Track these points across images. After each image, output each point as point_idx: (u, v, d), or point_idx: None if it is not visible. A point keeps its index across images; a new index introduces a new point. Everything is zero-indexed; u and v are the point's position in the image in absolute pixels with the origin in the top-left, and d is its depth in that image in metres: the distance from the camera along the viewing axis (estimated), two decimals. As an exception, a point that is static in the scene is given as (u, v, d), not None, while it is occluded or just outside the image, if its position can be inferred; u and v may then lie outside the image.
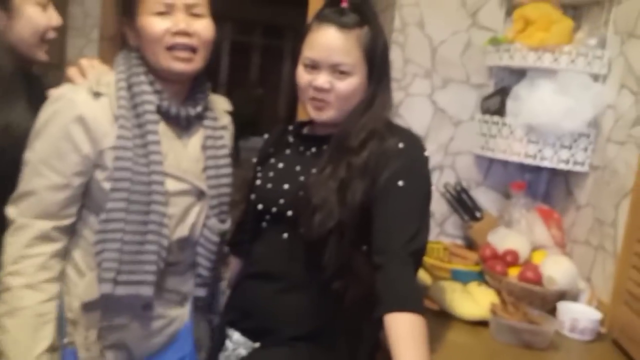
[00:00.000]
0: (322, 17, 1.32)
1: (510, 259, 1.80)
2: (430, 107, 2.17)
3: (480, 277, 1.83)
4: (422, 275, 1.80)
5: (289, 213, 1.32)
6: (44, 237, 1.25)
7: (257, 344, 1.36)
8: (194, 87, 1.37)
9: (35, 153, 1.24)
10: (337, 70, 1.30)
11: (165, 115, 1.30)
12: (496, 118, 2.02)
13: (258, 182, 1.41)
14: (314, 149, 1.38)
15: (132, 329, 1.32)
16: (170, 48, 1.26)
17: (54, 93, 1.27)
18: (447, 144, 2.19)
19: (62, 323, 1.29)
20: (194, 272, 1.40)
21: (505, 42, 1.97)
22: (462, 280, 1.78)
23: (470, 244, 2.16)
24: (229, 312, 1.45)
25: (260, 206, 1.38)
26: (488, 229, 2.02)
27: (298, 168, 1.37)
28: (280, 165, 1.41)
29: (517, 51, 1.92)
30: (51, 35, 1.43)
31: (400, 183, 1.25)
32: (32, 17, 1.38)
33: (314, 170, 1.31)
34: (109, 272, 1.23)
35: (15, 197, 1.26)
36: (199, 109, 1.35)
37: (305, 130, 1.44)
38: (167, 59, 1.27)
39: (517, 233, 1.92)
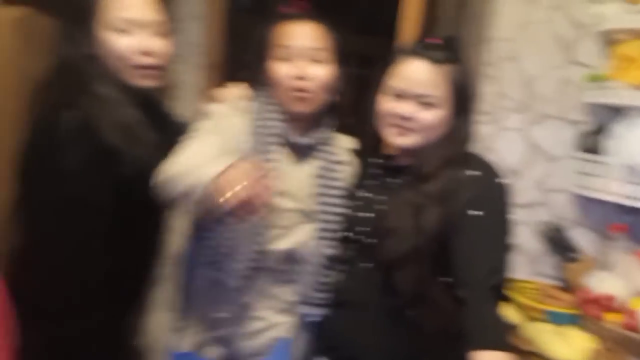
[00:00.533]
0: (413, 51, 1.36)
1: (607, 303, 1.73)
2: (523, 142, 2.13)
3: (575, 320, 1.76)
4: (511, 314, 1.76)
5: (372, 242, 1.34)
6: None
7: None
8: (316, 122, 1.49)
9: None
10: (423, 102, 1.32)
11: (284, 141, 1.45)
12: (594, 157, 1.95)
13: (345, 210, 1.45)
14: (399, 180, 1.40)
15: (235, 325, 1.42)
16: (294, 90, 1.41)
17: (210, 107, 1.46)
18: (541, 181, 2.13)
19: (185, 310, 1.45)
20: (299, 285, 1.47)
21: (604, 79, 1.92)
22: (556, 322, 1.72)
23: (566, 285, 2.08)
24: (316, 339, 1.48)
25: (346, 234, 1.42)
26: (585, 271, 1.95)
27: (383, 198, 1.39)
28: (367, 195, 1.44)
29: (617, 89, 1.87)
30: (142, 60, 1.39)
31: (478, 213, 1.24)
32: (110, 44, 1.37)
33: (395, 196, 1.33)
34: (215, 261, 1.40)
35: None
36: (311, 140, 1.47)
37: (391, 162, 1.46)
38: (288, 100, 1.42)
39: (616, 277, 1.84)
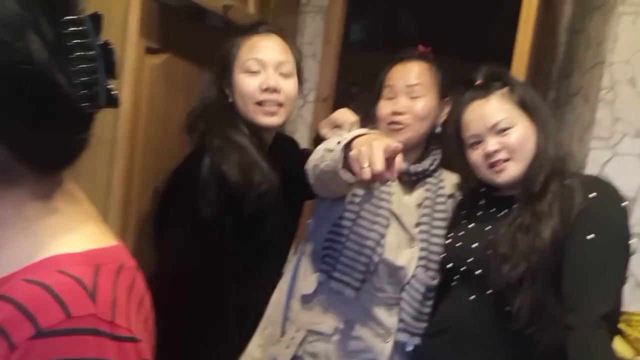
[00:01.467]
0: (466, 98, 1.42)
1: None
2: (641, 167, 2.05)
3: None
4: (623, 348, 1.69)
5: (478, 272, 1.35)
6: None
7: None
8: (424, 154, 1.57)
9: None
10: (499, 130, 1.35)
11: None
12: None
13: (449, 241, 1.48)
14: (506, 210, 1.40)
15: (334, 342, 1.48)
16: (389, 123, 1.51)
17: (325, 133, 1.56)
18: (658, 209, 2.04)
19: (283, 321, 1.52)
20: (399, 310, 1.50)
21: None
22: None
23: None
24: None
25: (449, 265, 1.44)
26: None
27: (488, 227, 1.40)
28: (471, 225, 1.46)
29: None
30: (265, 97, 1.46)
31: (591, 236, 1.21)
32: (240, 84, 1.47)
33: (503, 223, 1.34)
34: (327, 266, 1.48)
35: None
36: (419, 168, 1.54)
37: (497, 193, 1.46)
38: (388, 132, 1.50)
39: None
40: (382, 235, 1.46)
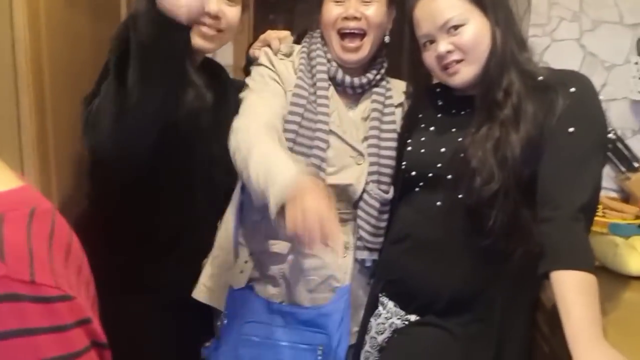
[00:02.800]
0: None
1: (676, 211, 1.68)
2: (579, 52, 2.03)
3: (641, 232, 1.72)
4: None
5: (449, 177, 1.29)
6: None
7: (412, 317, 1.37)
8: (370, 64, 1.48)
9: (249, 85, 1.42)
10: (451, 28, 1.26)
11: (334, 82, 1.44)
12: (656, 59, 1.86)
13: (409, 148, 1.40)
14: (468, 109, 1.34)
15: (290, 261, 1.43)
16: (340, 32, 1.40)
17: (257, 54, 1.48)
18: (600, 91, 2.02)
19: (236, 246, 1.45)
20: (355, 225, 1.46)
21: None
22: (622, 235, 1.68)
23: (627, 197, 2.03)
24: (381, 278, 1.47)
25: (413, 172, 1.37)
26: (648, 180, 1.89)
27: (454, 130, 1.34)
28: (432, 128, 1.39)
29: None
30: (205, 20, 1.36)
31: (572, 130, 1.18)
32: None
33: (471, 130, 1.27)
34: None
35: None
36: (364, 80, 1.45)
37: (455, 92, 1.39)
38: (338, 45, 1.41)
39: (683, 183, 1.78)
40: (323, 159, 1.38)
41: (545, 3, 2.01)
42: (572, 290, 1.09)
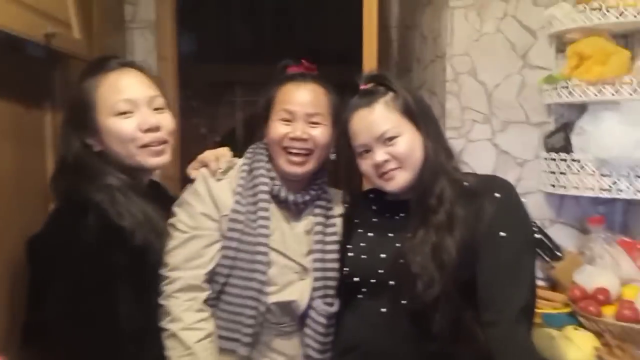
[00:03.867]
0: (351, 107, 1.39)
1: (602, 297, 1.75)
2: (492, 151, 2.17)
3: (572, 320, 1.78)
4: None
5: (391, 282, 1.31)
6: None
7: None
8: (312, 179, 1.49)
9: (177, 218, 1.40)
10: (386, 139, 1.33)
11: (276, 199, 1.44)
12: (563, 155, 2.00)
13: (350, 254, 1.42)
14: (402, 214, 1.38)
15: None
16: (287, 150, 1.41)
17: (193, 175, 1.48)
18: (515, 185, 2.14)
19: None
20: (300, 337, 1.44)
21: (562, 79, 1.97)
22: (554, 325, 1.73)
23: (553, 285, 2.11)
24: None
25: (356, 278, 1.38)
26: (572, 268, 1.98)
27: (391, 235, 1.37)
28: (370, 234, 1.41)
29: (576, 87, 1.92)
30: (150, 137, 1.37)
31: (503, 234, 1.24)
32: (114, 129, 1.35)
33: (408, 235, 1.31)
34: (218, 328, 1.37)
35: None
36: (307, 197, 1.47)
37: (389, 197, 1.44)
38: (283, 159, 1.43)
39: (604, 269, 1.87)
40: (263, 282, 1.37)
41: (458, 108, 2.15)
42: None
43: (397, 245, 1.33)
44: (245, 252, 1.38)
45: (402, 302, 1.28)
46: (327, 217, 1.49)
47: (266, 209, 1.41)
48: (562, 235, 2.15)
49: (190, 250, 1.37)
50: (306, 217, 1.49)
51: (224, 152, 1.51)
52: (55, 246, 1.26)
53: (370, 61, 2.12)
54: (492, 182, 1.35)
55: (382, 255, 1.35)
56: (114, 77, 1.37)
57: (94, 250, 1.22)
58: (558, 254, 2.07)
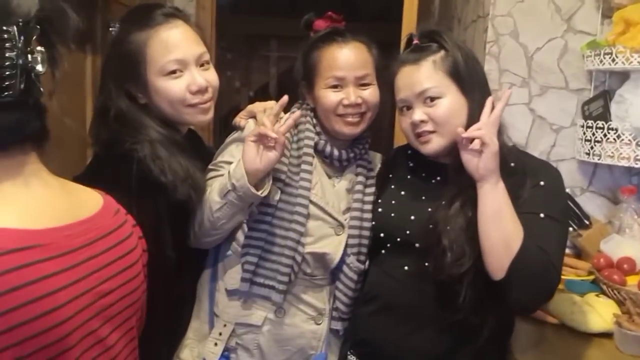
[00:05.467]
0: (400, 61, 1.37)
1: (627, 267, 1.75)
2: (529, 116, 2.14)
3: (595, 287, 1.79)
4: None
5: (417, 245, 1.32)
6: None
7: None
8: (357, 138, 1.51)
9: (222, 159, 1.46)
10: (428, 99, 1.31)
11: (321, 154, 1.46)
12: (601, 123, 1.97)
13: (379, 209, 1.43)
14: (438, 177, 1.38)
15: (265, 332, 1.42)
16: (342, 116, 1.43)
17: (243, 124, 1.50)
18: (549, 152, 2.15)
19: (211, 317, 1.44)
20: (329, 291, 1.48)
21: (605, 45, 1.93)
22: (576, 292, 1.74)
23: (579, 253, 2.11)
24: (350, 337, 1.48)
25: (382, 234, 1.40)
26: (598, 237, 1.98)
27: (424, 198, 1.37)
28: (403, 192, 1.42)
29: (620, 54, 1.87)
30: (194, 99, 1.38)
31: (542, 215, 1.23)
32: (163, 91, 1.35)
33: (442, 203, 1.29)
34: (247, 274, 1.39)
35: None
36: (351, 154, 1.48)
37: (427, 157, 1.42)
38: (339, 122, 1.44)
39: (631, 239, 1.86)
40: (301, 233, 1.40)
41: (496, 70, 2.12)
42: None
43: (429, 209, 1.32)
44: (287, 203, 1.40)
45: (426, 264, 1.29)
46: (368, 177, 1.51)
47: (310, 163, 1.43)
48: (592, 204, 2.14)
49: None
50: (348, 174, 1.51)
51: (272, 104, 1.50)
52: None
53: (410, 20, 2.10)
54: (542, 169, 1.33)
55: (412, 217, 1.36)
56: (164, 33, 1.35)
57: (135, 196, 1.21)
58: (586, 222, 2.07)
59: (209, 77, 1.40)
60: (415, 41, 1.38)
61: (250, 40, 5.00)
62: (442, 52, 1.33)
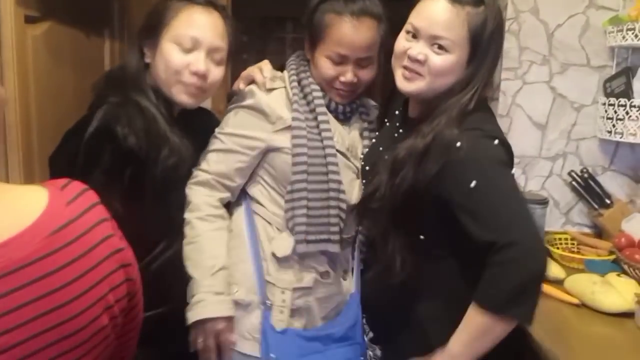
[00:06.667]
0: None
1: (650, 246, 1.74)
2: (549, 94, 2.11)
3: (616, 267, 1.78)
4: (555, 269, 1.77)
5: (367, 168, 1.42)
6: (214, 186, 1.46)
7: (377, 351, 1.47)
8: None
9: (221, 130, 1.47)
10: (436, 44, 1.24)
11: (327, 107, 1.48)
12: (623, 100, 1.94)
13: (362, 158, 1.52)
14: (402, 130, 1.40)
15: (315, 292, 1.47)
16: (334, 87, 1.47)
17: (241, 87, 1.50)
18: (570, 130, 2.13)
19: (262, 285, 1.44)
20: (352, 249, 1.53)
21: (628, 21, 1.89)
22: (597, 271, 1.73)
23: (599, 233, 2.09)
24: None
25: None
26: (620, 216, 1.96)
27: (381, 148, 1.42)
28: (380, 148, 1.44)
29: (643, 29, 1.84)
30: (188, 79, 1.38)
31: (472, 184, 1.14)
32: (166, 55, 1.38)
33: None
34: (301, 234, 1.42)
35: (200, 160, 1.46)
36: (353, 105, 1.53)
37: (404, 112, 1.44)
38: (331, 91, 1.48)
39: (654, 219, 1.85)
40: (340, 182, 1.43)
41: (517, 48, 2.09)
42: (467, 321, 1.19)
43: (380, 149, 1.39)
44: (317, 157, 1.42)
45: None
46: (369, 121, 1.56)
47: (325, 114, 1.45)
48: (613, 183, 2.12)
49: (226, 164, 1.44)
50: (355, 123, 1.55)
51: (265, 62, 1.53)
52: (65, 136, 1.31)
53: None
54: (470, 133, 1.21)
55: (367, 168, 1.44)
56: (196, 13, 1.39)
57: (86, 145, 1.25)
58: (607, 201, 2.05)
59: (213, 70, 1.41)
60: None
61: (266, 22, 4.97)
62: (482, 9, 1.24)
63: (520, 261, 1.09)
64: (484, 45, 1.25)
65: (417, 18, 1.27)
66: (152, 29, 1.40)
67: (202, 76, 1.39)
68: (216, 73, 1.42)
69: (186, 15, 1.38)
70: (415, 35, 1.27)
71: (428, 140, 1.20)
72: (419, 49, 1.25)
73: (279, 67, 1.56)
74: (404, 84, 1.30)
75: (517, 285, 1.09)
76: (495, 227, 1.11)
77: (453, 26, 1.22)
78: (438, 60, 1.24)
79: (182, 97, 1.41)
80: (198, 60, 1.38)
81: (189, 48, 1.37)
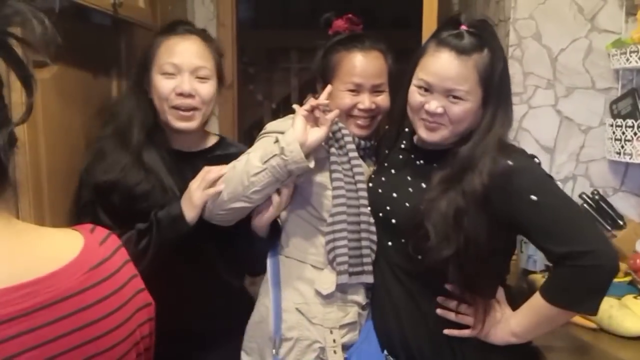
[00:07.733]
0: (439, 41, 1.29)
1: (665, 267, 1.71)
2: (555, 117, 2.12)
3: (632, 289, 1.75)
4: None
5: (394, 221, 1.37)
6: None
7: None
8: None
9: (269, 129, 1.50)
10: (452, 96, 1.27)
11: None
12: (630, 121, 1.93)
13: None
14: (422, 161, 1.41)
15: (359, 326, 1.49)
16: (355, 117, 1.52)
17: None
18: (578, 153, 2.12)
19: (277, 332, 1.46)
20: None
21: (631, 43, 1.90)
22: (613, 294, 1.70)
23: (614, 254, 2.07)
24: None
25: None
26: (634, 237, 1.94)
27: (409, 178, 1.41)
28: (393, 171, 1.46)
29: (646, 51, 1.84)
30: (176, 101, 1.46)
31: (534, 198, 1.21)
32: (155, 85, 1.49)
33: (422, 185, 1.34)
34: (343, 265, 1.43)
35: None
36: (373, 142, 1.59)
37: (415, 141, 1.45)
38: (351, 123, 1.51)
39: (668, 239, 1.82)
40: (370, 214, 1.45)
41: (520, 73, 2.10)
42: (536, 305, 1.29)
43: (410, 190, 1.37)
44: (351, 191, 1.45)
45: (402, 240, 1.34)
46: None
47: (355, 151, 1.49)
48: (625, 205, 2.10)
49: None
50: (369, 160, 1.58)
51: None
52: None
53: (430, 26, 2.09)
54: (513, 155, 1.28)
55: (394, 195, 1.40)
56: (175, 40, 1.50)
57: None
58: (620, 222, 2.03)
59: (200, 87, 1.49)
60: (464, 27, 1.29)
61: (271, 53, 5.04)
62: (486, 52, 1.27)
63: (600, 266, 1.19)
64: (496, 84, 1.29)
65: (427, 74, 1.30)
66: (142, 66, 1.52)
67: (189, 96, 1.47)
68: (204, 88, 1.50)
69: (165, 46, 1.50)
70: (428, 89, 1.30)
71: (485, 180, 1.23)
72: (436, 103, 1.29)
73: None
74: (428, 134, 1.33)
75: (594, 286, 1.23)
76: (570, 238, 1.20)
77: (464, 77, 1.26)
78: (456, 109, 1.28)
79: (177, 123, 1.49)
80: (182, 82, 1.47)
81: (172, 73, 1.47)
